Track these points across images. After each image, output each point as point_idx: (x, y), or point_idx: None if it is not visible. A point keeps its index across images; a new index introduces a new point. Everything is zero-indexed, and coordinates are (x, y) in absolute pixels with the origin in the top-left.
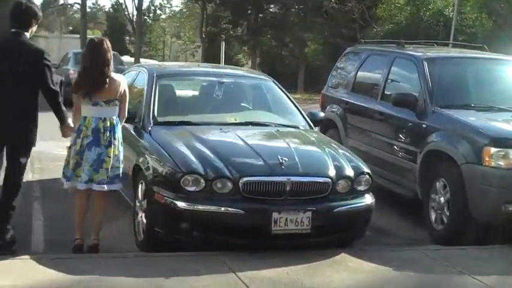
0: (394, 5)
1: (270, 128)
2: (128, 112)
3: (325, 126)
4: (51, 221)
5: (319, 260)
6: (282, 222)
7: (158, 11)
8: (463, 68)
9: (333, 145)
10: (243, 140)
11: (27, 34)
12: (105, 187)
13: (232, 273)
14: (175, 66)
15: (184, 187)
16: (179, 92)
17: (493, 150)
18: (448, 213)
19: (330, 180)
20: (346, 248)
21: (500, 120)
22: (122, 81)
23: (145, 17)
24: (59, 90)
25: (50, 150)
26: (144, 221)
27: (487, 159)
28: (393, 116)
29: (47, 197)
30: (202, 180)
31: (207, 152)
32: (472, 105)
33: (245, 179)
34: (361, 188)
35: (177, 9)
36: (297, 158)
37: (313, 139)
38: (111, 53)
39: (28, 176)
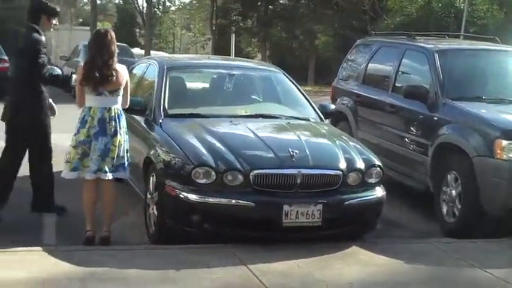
0: None
1: (281, 121)
2: (138, 104)
3: (335, 118)
4: (64, 213)
5: (330, 253)
6: (293, 214)
7: (168, 3)
8: (474, 60)
9: (344, 137)
10: (253, 132)
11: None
12: (110, 176)
13: (244, 265)
14: (185, 58)
15: (195, 179)
16: (189, 85)
17: (504, 142)
18: (459, 206)
19: (340, 172)
20: (357, 241)
21: None
22: (124, 71)
23: (155, 9)
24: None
25: (62, 143)
26: (155, 213)
27: (498, 151)
28: (404, 108)
29: (59, 189)
30: (213, 173)
31: (218, 144)
32: (484, 97)
33: (256, 171)
34: (372, 180)
35: (187, 1)
36: (307, 151)
37: (324, 131)
38: (115, 45)
39: None
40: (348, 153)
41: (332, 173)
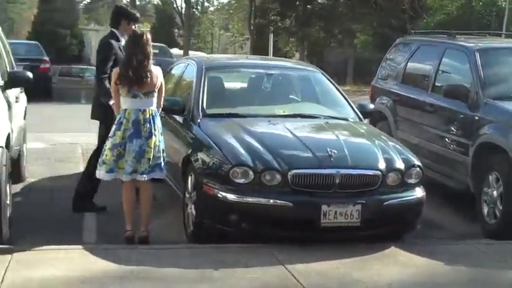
0: None
1: (319, 120)
2: (176, 104)
3: (374, 118)
4: (103, 213)
5: (369, 254)
6: (331, 215)
7: (206, 3)
8: None
9: (383, 137)
10: (291, 132)
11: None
12: (146, 177)
13: (281, 265)
14: (223, 58)
15: (233, 179)
16: (228, 84)
17: None
18: (500, 207)
19: (379, 172)
20: (396, 242)
21: None
22: (159, 73)
23: (194, 10)
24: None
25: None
26: (194, 212)
27: None
28: (444, 107)
29: (99, 188)
30: (251, 173)
31: (256, 144)
32: None
33: (294, 171)
34: (412, 181)
35: (225, 1)
36: (346, 151)
37: (363, 131)
38: (150, 47)
39: (79, 167)
40: (387, 153)
41: (371, 173)
